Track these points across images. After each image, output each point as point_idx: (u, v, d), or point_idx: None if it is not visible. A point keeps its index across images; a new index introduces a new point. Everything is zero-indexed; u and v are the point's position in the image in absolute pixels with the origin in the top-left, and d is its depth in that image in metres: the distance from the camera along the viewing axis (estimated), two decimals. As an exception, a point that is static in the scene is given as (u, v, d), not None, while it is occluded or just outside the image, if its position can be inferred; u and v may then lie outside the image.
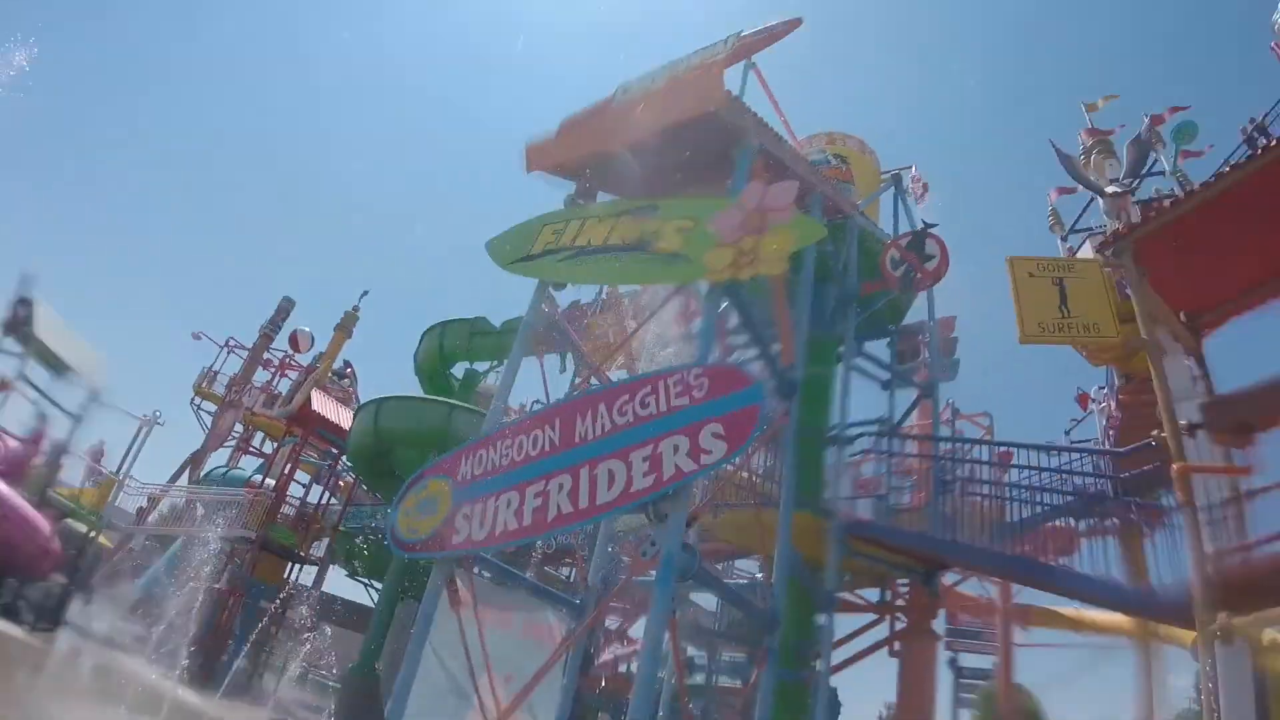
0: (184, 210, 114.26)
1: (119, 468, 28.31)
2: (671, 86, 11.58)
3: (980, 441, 18.82)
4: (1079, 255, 18.12)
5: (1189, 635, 10.24)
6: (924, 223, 15.02)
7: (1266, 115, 16.15)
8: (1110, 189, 18.41)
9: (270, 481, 28.65)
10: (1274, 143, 10.67)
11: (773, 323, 12.00)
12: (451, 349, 28.68)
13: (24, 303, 21.52)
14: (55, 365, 23.18)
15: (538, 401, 14.69)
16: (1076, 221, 20.43)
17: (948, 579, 16.90)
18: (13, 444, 18.21)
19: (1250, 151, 14.31)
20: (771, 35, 11.61)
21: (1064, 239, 20.28)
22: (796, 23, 11.70)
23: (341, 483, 31.99)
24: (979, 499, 13.85)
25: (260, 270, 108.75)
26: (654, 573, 8.36)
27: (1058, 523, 13.44)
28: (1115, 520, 12.46)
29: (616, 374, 13.82)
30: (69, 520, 21.84)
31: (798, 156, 13.66)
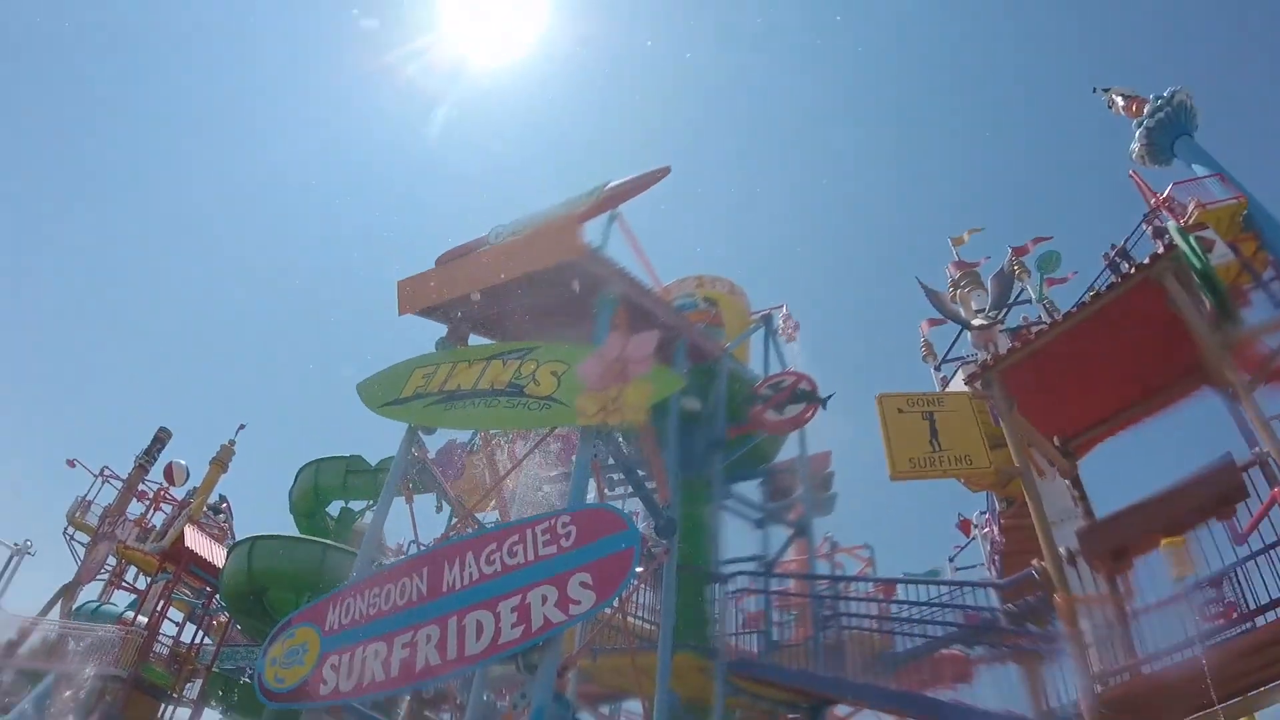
0: (59, 332, 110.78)
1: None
2: (534, 236, 11.89)
3: (856, 578, 19.00)
4: (951, 384, 18.67)
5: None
6: (824, 403, 14.87)
7: (1127, 240, 16.92)
8: (976, 321, 19.10)
9: (143, 619, 27.39)
10: (1132, 270, 11.27)
11: (647, 464, 12.12)
12: (327, 487, 28.00)
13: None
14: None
15: (414, 542, 14.64)
16: (948, 352, 21.11)
17: (840, 711, 16.74)
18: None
19: (1113, 277, 15.16)
20: (637, 186, 11.99)
21: (937, 369, 20.90)
22: (664, 172, 12.08)
23: (216, 621, 30.72)
24: (863, 632, 13.93)
25: (137, 398, 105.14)
26: (526, 724, 8.20)
27: (951, 651, 13.56)
28: (1009, 647, 12.62)
29: (490, 515, 13.73)
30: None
31: (661, 303, 14.02)
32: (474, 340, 12.95)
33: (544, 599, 8.32)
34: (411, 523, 12.37)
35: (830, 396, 14.77)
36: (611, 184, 12.23)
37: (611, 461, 14.12)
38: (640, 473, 12.58)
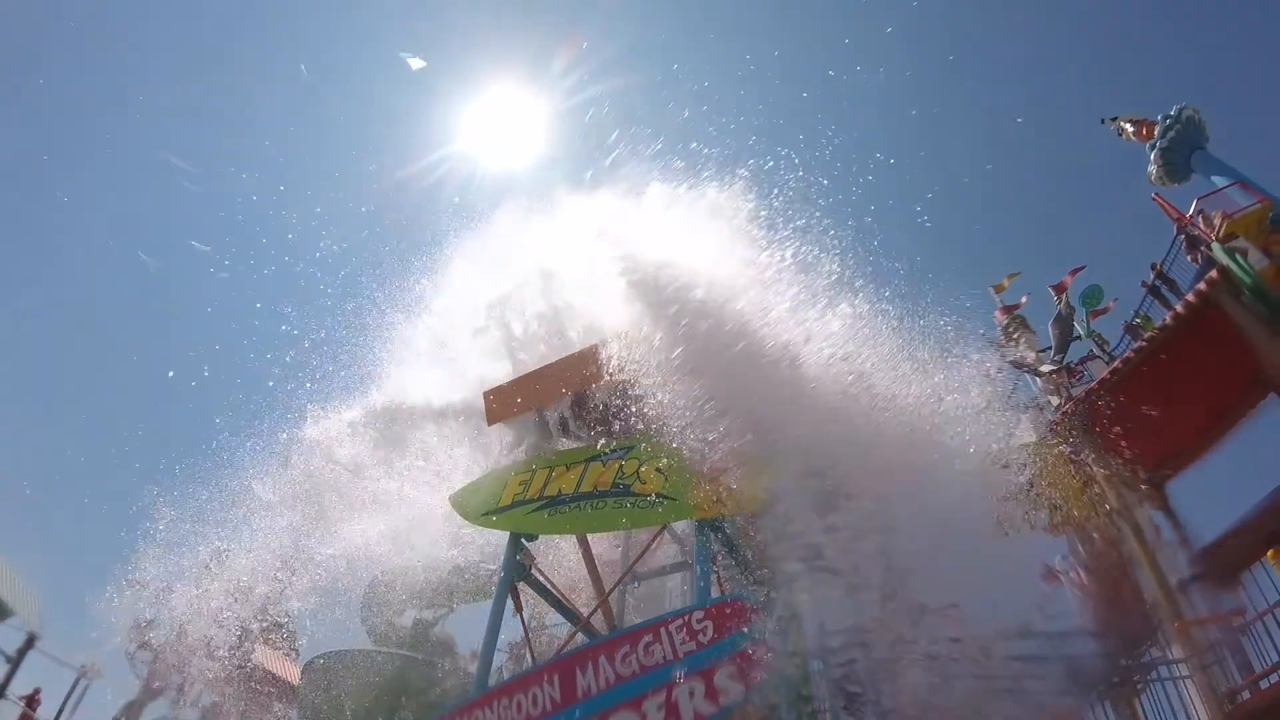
0: (113, 453, 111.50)
1: (56, 718, 26.56)
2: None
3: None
4: (1016, 432, 18.64)
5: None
6: None
7: (1164, 262, 16.39)
8: (1045, 368, 19.13)
9: (217, 741, 27.13)
10: (1190, 298, 11.39)
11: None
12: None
13: (-32, 549, 21.40)
14: (-2, 608, 22.55)
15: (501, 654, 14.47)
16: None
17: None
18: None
19: (1156, 303, 15.09)
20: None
21: (1000, 420, 20.83)
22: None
23: (293, 738, 30.43)
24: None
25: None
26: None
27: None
28: (1109, 685, 12.43)
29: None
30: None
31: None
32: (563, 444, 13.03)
33: (691, 694, 8.40)
34: (524, 629, 12.33)
35: None
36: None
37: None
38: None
